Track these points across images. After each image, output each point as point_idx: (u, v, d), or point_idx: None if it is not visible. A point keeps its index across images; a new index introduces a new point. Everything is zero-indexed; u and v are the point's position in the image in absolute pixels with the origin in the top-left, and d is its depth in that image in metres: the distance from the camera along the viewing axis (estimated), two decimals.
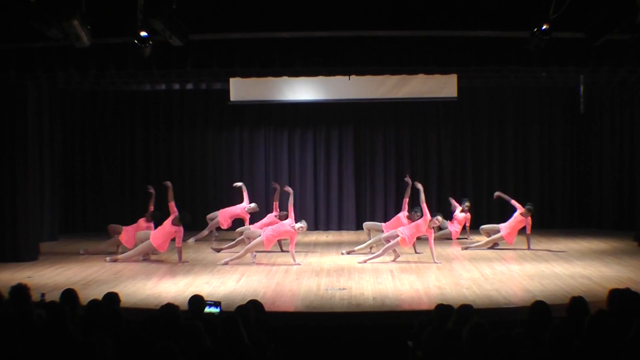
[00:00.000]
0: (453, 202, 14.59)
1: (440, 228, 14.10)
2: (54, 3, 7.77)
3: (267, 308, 7.19)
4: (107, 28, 9.46)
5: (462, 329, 5.07)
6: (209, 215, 14.63)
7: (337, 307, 8.84)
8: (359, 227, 15.80)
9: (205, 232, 14.48)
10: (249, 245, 11.89)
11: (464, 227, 14.34)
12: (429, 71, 12.21)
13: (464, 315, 5.64)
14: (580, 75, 13.50)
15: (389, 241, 11.95)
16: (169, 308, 5.67)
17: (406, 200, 13.42)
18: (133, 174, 16.76)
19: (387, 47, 10.72)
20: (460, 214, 14.28)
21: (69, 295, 6.43)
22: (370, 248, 12.63)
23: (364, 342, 8.18)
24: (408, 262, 11.96)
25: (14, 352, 4.71)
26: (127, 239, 12.77)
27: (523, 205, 13.08)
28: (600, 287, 9.37)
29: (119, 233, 12.92)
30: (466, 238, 14.11)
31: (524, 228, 13.11)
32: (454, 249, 13.29)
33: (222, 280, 10.52)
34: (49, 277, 10.94)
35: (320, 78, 14.00)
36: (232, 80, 14.44)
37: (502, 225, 13.24)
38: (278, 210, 13.56)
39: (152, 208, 12.95)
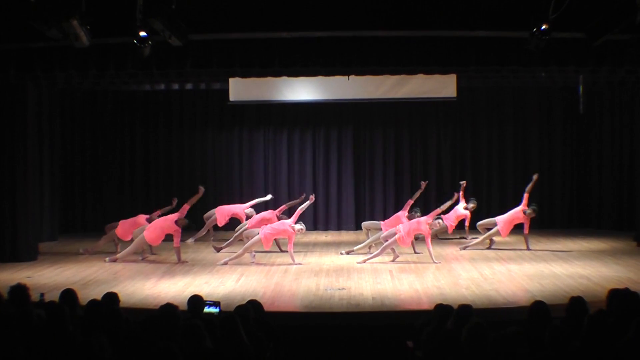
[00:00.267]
0: (460, 196, 14.16)
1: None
2: (53, 3, 7.77)
3: (266, 308, 7.20)
4: (106, 28, 9.46)
5: (461, 329, 5.07)
6: (206, 214, 14.63)
7: (336, 307, 8.84)
8: (358, 227, 15.79)
9: (203, 231, 14.47)
10: (247, 244, 11.89)
11: (463, 227, 14.29)
12: (428, 71, 12.20)
13: (463, 316, 5.64)
14: (579, 75, 13.51)
15: (387, 240, 11.95)
16: (169, 308, 5.66)
17: (410, 202, 13.42)
18: (133, 174, 16.76)
19: (386, 47, 10.72)
20: (463, 210, 14.13)
21: (69, 295, 6.42)
22: (369, 247, 12.63)
23: (364, 342, 8.18)
24: (407, 262, 11.95)
25: (13, 352, 4.71)
26: (123, 232, 12.82)
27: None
28: (600, 287, 9.36)
29: (116, 228, 12.95)
30: (465, 238, 14.10)
31: (520, 226, 13.10)
32: (453, 249, 13.29)
33: (221, 280, 10.52)
34: (48, 277, 10.94)
35: (320, 78, 14.00)
36: (231, 80, 14.44)
37: (498, 219, 13.24)
38: (282, 211, 13.60)
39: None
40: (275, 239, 12.52)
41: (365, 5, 10.01)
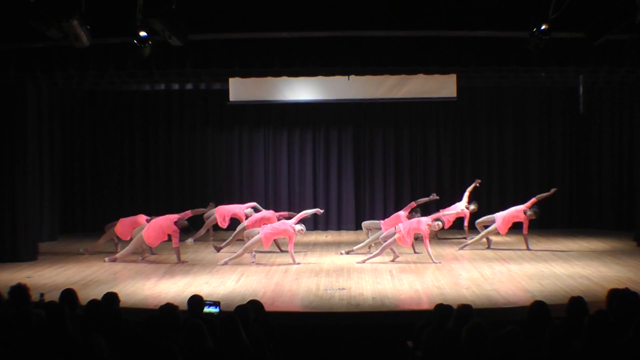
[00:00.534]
0: (467, 192, 14.13)
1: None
2: (53, 3, 7.76)
3: (266, 308, 7.19)
4: (106, 28, 9.46)
5: (461, 329, 5.07)
6: (206, 214, 14.63)
7: (336, 307, 8.84)
8: (358, 227, 15.80)
9: (203, 230, 14.47)
10: (247, 243, 11.89)
11: (462, 227, 14.28)
12: (428, 71, 12.21)
13: (463, 316, 5.63)
14: (579, 75, 13.51)
15: (387, 240, 11.95)
16: (169, 308, 5.67)
17: (414, 204, 13.42)
18: (132, 174, 16.76)
19: (386, 47, 10.73)
20: (464, 208, 14.08)
21: (68, 295, 6.42)
22: (369, 247, 12.63)
23: (364, 342, 8.19)
24: (407, 262, 11.95)
25: (13, 352, 4.71)
26: (122, 231, 12.84)
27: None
28: (600, 287, 9.37)
29: (115, 226, 12.96)
30: (464, 238, 14.09)
31: (519, 225, 13.10)
32: (453, 249, 13.29)
33: (221, 280, 10.52)
34: (48, 277, 10.94)
35: (320, 78, 14.01)
36: (231, 81, 14.44)
37: (497, 215, 13.24)
38: (286, 213, 13.61)
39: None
40: (275, 239, 12.53)
41: (365, 5, 10.01)
